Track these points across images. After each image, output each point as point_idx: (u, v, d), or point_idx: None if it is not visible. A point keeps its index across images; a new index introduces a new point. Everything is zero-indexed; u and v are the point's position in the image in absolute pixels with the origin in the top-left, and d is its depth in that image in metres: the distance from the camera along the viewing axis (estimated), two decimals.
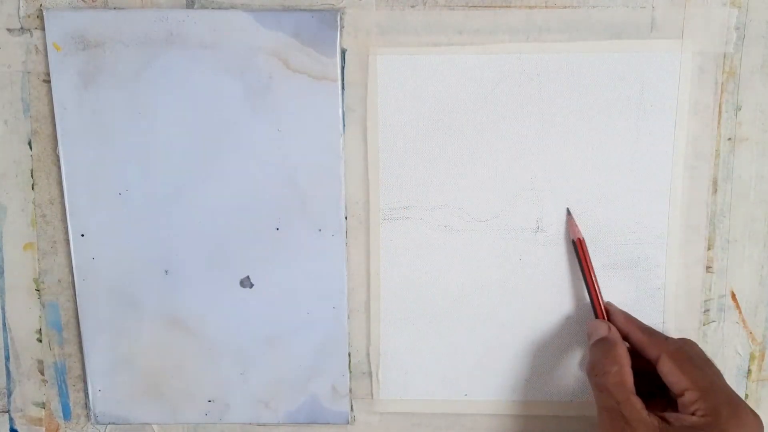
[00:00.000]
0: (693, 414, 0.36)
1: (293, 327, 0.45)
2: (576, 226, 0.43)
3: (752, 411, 0.37)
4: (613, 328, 0.41)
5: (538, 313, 0.44)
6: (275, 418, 0.46)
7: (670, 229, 0.43)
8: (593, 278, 0.42)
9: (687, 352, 0.39)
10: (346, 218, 0.44)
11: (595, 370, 0.39)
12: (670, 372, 0.38)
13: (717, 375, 0.38)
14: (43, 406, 0.47)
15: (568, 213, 0.43)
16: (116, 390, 0.46)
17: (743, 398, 0.45)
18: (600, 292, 0.42)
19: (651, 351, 0.39)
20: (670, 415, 0.37)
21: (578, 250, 0.42)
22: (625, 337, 0.41)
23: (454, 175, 0.43)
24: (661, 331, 0.42)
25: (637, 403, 0.37)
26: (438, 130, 0.42)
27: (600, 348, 0.40)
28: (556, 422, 0.46)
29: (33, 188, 0.44)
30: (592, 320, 0.42)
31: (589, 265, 0.42)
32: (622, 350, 0.39)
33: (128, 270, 0.44)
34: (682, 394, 0.37)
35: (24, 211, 0.44)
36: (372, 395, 0.46)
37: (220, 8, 0.41)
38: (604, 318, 0.42)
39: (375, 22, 0.41)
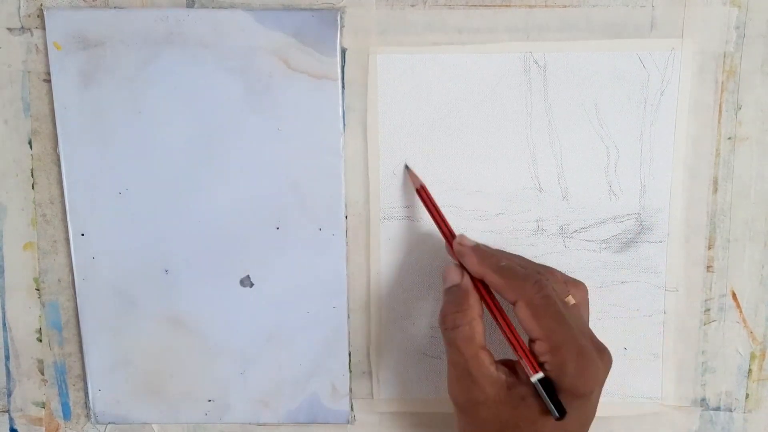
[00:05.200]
0: (541, 365, 0.36)
1: (293, 326, 0.45)
2: (414, 175, 0.42)
3: (601, 354, 0.36)
4: (467, 277, 0.39)
5: None
6: (275, 417, 0.46)
7: (670, 228, 0.43)
8: (442, 219, 0.41)
9: (545, 300, 0.36)
10: (346, 217, 0.44)
11: (445, 322, 0.38)
12: (524, 319, 0.36)
13: (569, 327, 0.36)
14: (43, 405, 0.47)
15: (406, 167, 0.43)
16: (116, 390, 0.46)
17: (744, 398, 0.45)
18: (452, 231, 0.41)
19: (508, 294, 0.37)
20: (519, 365, 0.37)
21: (423, 196, 0.41)
22: (481, 280, 0.39)
23: (453, 175, 0.43)
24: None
25: (486, 358, 0.37)
26: (438, 129, 0.42)
27: (451, 298, 0.38)
28: None
29: (33, 188, 0.44)
30: (448, 265, 0.40)
31: (435, 207, 0.41)
32: (474, 300, 0.38)
33: (128, 269, 0.44)
34: (533, 342, 0.37)
35: (24, 211, 0.44)
36: (372, 395, 0.46)
37: (220, 8, 0.41)
38: (456, 259, 0.40)
39: (375, 21, 0.41)
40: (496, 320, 0.38)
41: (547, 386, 0.36)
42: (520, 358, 0.37)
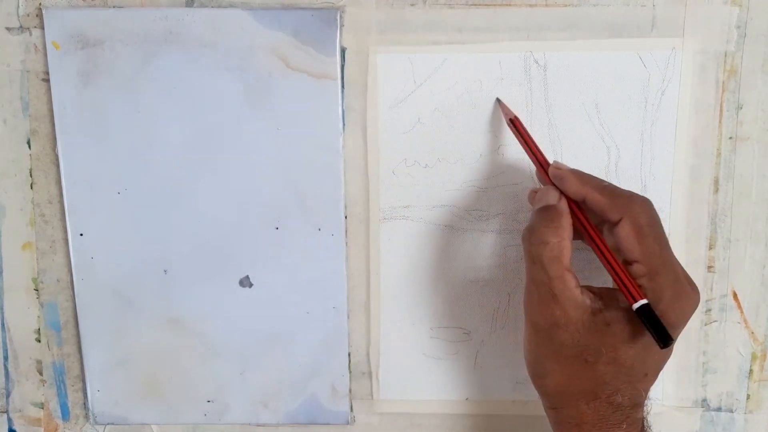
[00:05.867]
0: None
1: (293, 327, 0.45)
2: (506, 107, 0.41)
3: (693, 289, 0.36)
4: (564, 200, 0.37)
5: None
6: (275, 418, 0.46)
7: (671, 228, 0.43)
8: (537, 148, 0.40)
9: (651, 220, 0.36)
10: (345, 217, 0.43)
11: (533, 237, 0.36)
12: (626, 238, 0.35)
13: (670, 253, 0.36)
14: (41, 406, 0.47)
15: (498, 100, 0.42)
16: (115, 390, 0.46)
17: (745, 399, 0.45)
18: (546, 159, 0.39)
19: (611, 213, 0.36)
20: (605, 292, 0.36)
21: (517, 128, 0.40)
22: (583, 200, 0.37)
23: (454, 175, 0.43)
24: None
25: (571, 281, 0.35)
26: (438, 128, 0.42)
27: (544, 216, 0.37)
28: None
29: (32, 187, 0.44)
30: (544, 187, 0.39)
31: (529, 136, 0.40)
32: (567, 222, 0.37)
33: (127, 269, 0.44)
34: (630, 264, 0.36)
35: (23, 211, 0.44)
36: (372, 395, 0.46)
37: (219, 7, 0.41)
38: (553, 185, 0.38)
39: (375, 20, 0.41)
40: (594, 244, 0.37)
41: (648, 313, 0.34)
42: (621, 281, 0.35)
